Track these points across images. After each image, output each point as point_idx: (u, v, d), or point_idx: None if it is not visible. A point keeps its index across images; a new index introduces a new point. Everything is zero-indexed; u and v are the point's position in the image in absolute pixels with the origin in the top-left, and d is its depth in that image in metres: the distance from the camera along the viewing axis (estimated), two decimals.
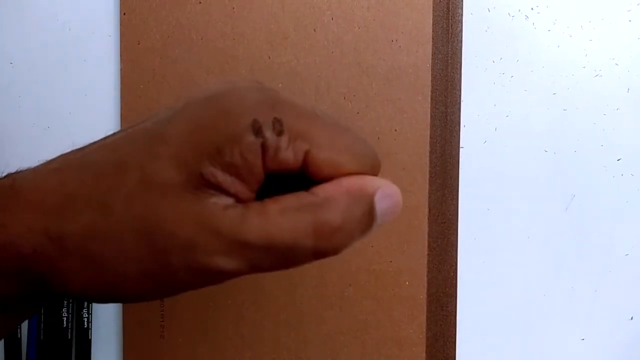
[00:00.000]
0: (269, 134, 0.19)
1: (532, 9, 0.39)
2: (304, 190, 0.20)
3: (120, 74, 0.40)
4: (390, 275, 0.39)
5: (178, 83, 0.39)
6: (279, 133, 0.19)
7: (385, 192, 0.20)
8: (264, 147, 0.19)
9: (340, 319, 0.39)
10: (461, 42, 0.39)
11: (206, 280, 0.20)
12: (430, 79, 0.38)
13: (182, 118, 0.20)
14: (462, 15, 0.39)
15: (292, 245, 0.19)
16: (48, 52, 0.41)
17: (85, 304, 0.41)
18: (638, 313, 0.40)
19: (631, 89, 0.39)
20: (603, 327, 0.40)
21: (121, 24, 0.40)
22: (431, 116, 0.38)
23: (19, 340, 0.41)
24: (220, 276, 0.20)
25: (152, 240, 0.19)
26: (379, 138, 0.38)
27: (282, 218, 0.19)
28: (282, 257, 0.19)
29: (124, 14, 0.40)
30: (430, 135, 0.38)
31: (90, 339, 0.41)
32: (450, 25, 0.39)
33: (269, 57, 0.39)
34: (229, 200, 0.19)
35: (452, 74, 0.39)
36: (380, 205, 0.20)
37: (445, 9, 0.38)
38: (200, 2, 0.39)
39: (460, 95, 0.39)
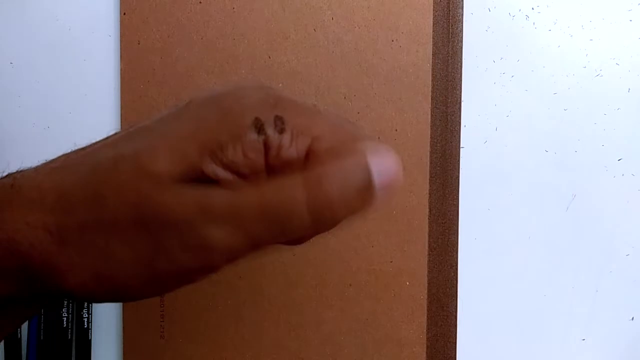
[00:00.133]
0: (271, 132, 0.19)
1: (532, 8, 0.39)
2: None
3: (120, 74, 0.40)
4: (390, 275, 0.39)
5: (178, 83, 0.39)
6: (281, 130, 0.19)
7: (380, 159, 0.19)
8: (266, 145, 0.19)
9: (340, 319, 0.39)
10: (461, 42, 0.39)
11: (204, 260, 0.19)
12: (430, 79, 0.38)
13: (184, 116, 0.20)
14: (462, 15, 0.39)
15: (286, 203, 0.19)
16: (48, 52, 0.41)
17: (85, 304, 0.41)
18: (639, 313, 0.40)
19: (632, 89, 0.39)
20: (604, 327, 0.40)
21: (121, 24, 0.40)
22: (431, 116, 0.38)
23: (19, 340, 0.41)
24: (218, 254, 0.19)
25: (146, 227, 0.19)
26: (379, 138, 0.38)
27: (277, 188, 0.19)
28: (279, 223, 0.19)
29: (124, 14, 0.40)
30: (430, 135, 0.38)
31: (90, 339, 0.41)
32: (450, 25, 0.39)
33: (269, 57, 0.39)
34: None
35: (452, 74, 0.39)
36: (377, 172, 0.19)
37: (445, 9, 0.38)
38: (200, 2, 0.39)
39: (460, 95, 0.39)
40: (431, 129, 0.38)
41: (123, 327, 0.41)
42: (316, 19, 0.38)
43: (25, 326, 0.41)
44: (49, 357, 0.40)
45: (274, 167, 0.19)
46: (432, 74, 0.38)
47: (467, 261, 0.40)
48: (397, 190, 0.19)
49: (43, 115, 0.42)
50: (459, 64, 0.39)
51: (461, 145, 0.40)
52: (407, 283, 0.39)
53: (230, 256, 0.20)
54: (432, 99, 0.38)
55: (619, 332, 0.40)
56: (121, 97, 0.40)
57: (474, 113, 0.40)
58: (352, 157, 0.19)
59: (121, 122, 0.41)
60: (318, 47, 0.38)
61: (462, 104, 0.39)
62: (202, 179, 0.19)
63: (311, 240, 0.22)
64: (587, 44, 0.39)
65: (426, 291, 0.39)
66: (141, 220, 0.19)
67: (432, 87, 0.38)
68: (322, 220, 0.19)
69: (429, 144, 0.38)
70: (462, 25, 0.39)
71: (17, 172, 0.22)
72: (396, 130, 0.38)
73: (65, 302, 0.41)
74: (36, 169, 0.21)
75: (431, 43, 0.38)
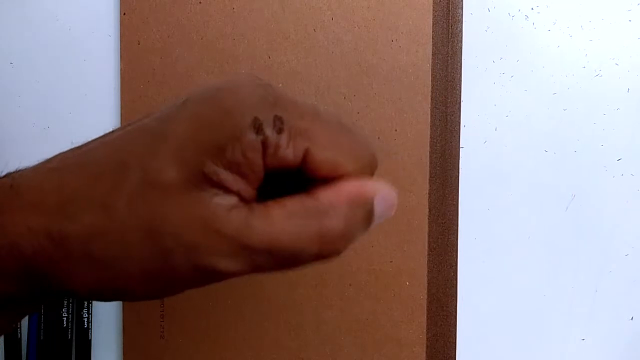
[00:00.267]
0: (269, 132, 0.19)
1: (532, 9, 0.39)
2: (305, 191, 0.20)
3: (120, 73, 0.40)
4: (390, 275, 0.39)
5: (178, 83, 0.39)
6: (279, 131, 0.19)
7: (383, 195, 0.21)
8: (264, 144, 0.19)
9: (340, 319, 0.39)
10: (461, 42, 0.39)
11: (208, 279, 0.20)
12: (430, 79, 0.38)
13: (182, 116, 0.20)
14: (462, 15, 0.39)
15: (296, 250, 0.19)
16: (48, 52, 0.41)
17: (85, 303, 0.41)
18: (638, 313, 0.40)
19: (631, 89, 0.39)
20: (603, 327, 0.40)
21: (121, 24, 0.40)
22: (431, 116, 0.38)
23: (19, 340, 0.41)
24: (223, 276, 0.20)
25: (155, 241, 0.19)
26: (379, 138, 0.38)
27: (287, 224, 0.19)
28: (285, 260, 0.20)
29: (124, 14, 0.40)
30: (430, 135, 0.38)
31: (90, 339, 0.41)
32: (450, 25, 0.39)
33: (269, 57, 0.39)
34: (232, 199, 0.19)
35: (452, 74, 0.39)
36: (379, 207, 0.21)
37: (445, 9, 0.38)
38: (200, 2, 0.39)
39: (460, 95, 0.39)
40: (431, 129, 0.38)
41: (123, 327, 0.41)
42: (316, 19, 0.38)
43: (25, 326, 0.41)
44: (49, 357, 0.40)
45: (272, 166, 0.19)
46: (432, 74, 0.38)
47: (466, 261, 0.40)
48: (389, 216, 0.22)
49: (43, 115, 0.42)
50: (459, 64, 0.39)
51: (461, 145, 0.40)
52: (407, 283, 0.39)
53: (233, 277, 0.20)
54: (431, 99, 0.38)
55: (618, 332, 0.40)
56: (121, 97, 0.40)
57: (474, 113, 0.40)
58: (361, 198, 0.20)
59: (121, 122, 0.41)
60: (318, 47, 0.38)
61: (462, 104, 0.39)
62: (207, 182, 0.19)
63: None
64: (587, 44, 0.39)
65: (426, 291, 0.39)
66: (149, 232, 0.19)
67: (432, 87, 0.38)
68: (324, 254, 0.20)
69: (428, 144, 0.38)
70: (462, 26, 0.39)
71: (16, 171, 0.21)
72: (396, 130, 0.38)
73: (65, 302, 0.40)
74: (34, 169, 0.21)
75: (431, 43, 0.38)
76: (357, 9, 0.38)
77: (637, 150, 0.39)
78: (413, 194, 0.38)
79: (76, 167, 0.20)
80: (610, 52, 0.39)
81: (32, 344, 0.40)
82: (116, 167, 0.20)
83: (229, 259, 0.19)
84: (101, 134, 0.22)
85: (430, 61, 0.38)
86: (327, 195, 0.20)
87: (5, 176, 0.21)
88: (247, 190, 0.19)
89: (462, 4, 0.39)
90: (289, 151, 0.19)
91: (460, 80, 0.39)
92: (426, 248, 0.38)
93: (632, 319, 0.40)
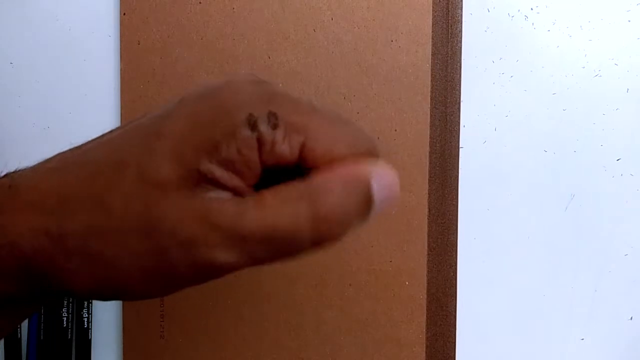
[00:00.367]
0: (264, 128, 0.19)
1: (531, 9, 0.39)
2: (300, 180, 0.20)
3: (120, 74, 0.40)
4: (390, 275, 0.39)
5: (178, 83, 0.39)
6: (274, 127, 0.19)
7: (381, 177, 0.20)
8: (259, 141, 0.19)
9: (340, 319, 0.39)
10: (461, 42, 0.39)
11: (207, 274, 0.20)
12: (430, 79, 0.38)
13: (178, 114, 0.20)
14: (461, 15, 0.39)
15: (291, 235, 0.19)
16: (48, 52, 0.41)
17: (85, 303, 0.41)
18: (638, 313, 0.40)
19: (631, 89, 0.39)
20: (603, 327, 0.40)
21: (121, 24, 0.40)
22: (431, 116, 0.38)
23: (19, 340, 0.41)
24: (221, 270, 0.20)
25: (152, 237, 0.19)
26: (378, 138, 0.38)
27: (280, 209, 0.19)
28: (281, 247, 0.19)
29: (124, 14, 0.40)
30: (430, 135, 0.38)
31: (90, 339, 0.41)
32: (449, 26, 0.39)
33: (269, 57, 0.39)
34: (227, 195, 0.19)
35: (452, 74, 0.39)
36: (377, 187, 0.19)
37: (444, 9, 0.38)
38: (200, 2, 0.39)
39: (460, 95, 0.39)
40: (430, 129, 0.38)
41: (123, 327, 0.41)
42: (316, 19, 0.38)
43: (25, 326, 0.41)
44: (49, 357, 0.40)
45: (269, 163, 0.19)
46: (432, 74, 0.38)
47: (466, 261, 0.40)
48: (394, 204, 0.20)
49: (43, 115, 0.42)
50: (458, 64, 0.39)
51: (460, 146, 0.40)
52: (407, 283, 0.39)
53: (231, 271, 0.20)
54: (431, 99, 0.38)
55: (618, 332, 0.40)
56: (121, 97, 0.40)
57: (473, 113, 0.40)
58: (359, 187, 0.19)
59: (121, 122, 0.41)
60: (318, 47, 0.38)
61: (462, 104, 0.39)
62: (203, 180, 0.19)
63: None
64: (586, 45, 0.39)
65: (425, 291, 0.39)
66: (146, 229, 0.19)
67: (432, 88, 0.38)
68: (321, 240, 0.19)
69: (428, 144, 0.38)
70: (462, 26, 0.39)
71: (15, 172, 0.21)
72: (395, 130, 0.38)
73: (65, 302, 0.40)
74: (33, 169, 0.21)
75: (430, 43, 0.38)
76: (357, 9, 0.38)
77: (636, 150, 0.39)
78: (413, 194, 0.38)
79: (75, 167, 0.20)
80: (609, 52, 0.39)
81: (32, 344, 0.40)
82: (113, 166, 0.20)
83: (225, 251, 0.19)
84: (101, 134, 0.22)
85: (430, 61, 0.38)
86: (320, 177, 0.19)
87: (4, 176, 0.21)
88: (243, 187, 0.19)
89: (462, 4, 0.39)
90: (284, 147, 0.19)
91: (460, 81, 0.39)
92: (426, 248, 0.38)
93: (631, 319, 0.40)
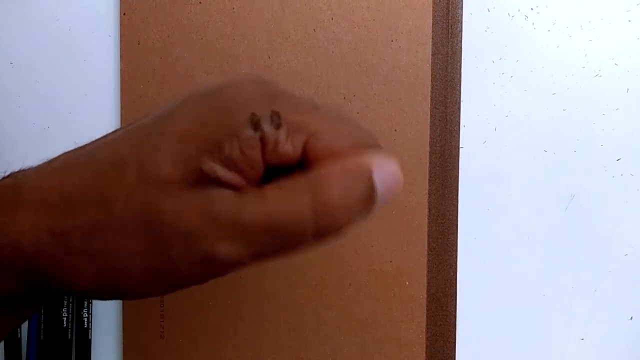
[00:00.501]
0: (267, 127, 0.19)
1: (531, 9, 0.39)
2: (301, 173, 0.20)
3: (120, 74, 0.40)
4: (390, 275, 0.39)
5: (178, 83, 0.39)
6: (277, 126, 0.19)
7: (383, 166, 0.19)
8: (262, 140, 0.19)
9: (340, 319, 0.39)
10: (461, 42, 0.39)
11: (209, 270, 0.20)
12: (430, 79, 0.38)
13: (180, 114, 0.20)
14: (461, 15, 0.39)
15: (292, 224, 0.19)
16: (48, 52, 0.41)
17: (85, 303, 0.41)
18: (638, 313, 0.40)
19: (631, 89, 0.39)
20: (603, 327, 0.40)
21: (121, 24, 0.40)
22: (431, 116, 0.38)
23: (19, 340, 0.41)
24: (223, 265, 0.19)
25: (152, 233, 0.19)
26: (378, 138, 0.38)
27: (281, 199, 0.19)
28: (283, 239, 0.19)
29: (124, 14, 0.40)
30: (430, 135, 0.38)
31: (90, 339, 0.41)
32: (450, 25, 0.39)
33: (269, 57, 0.39)
34: (228, 192, 0.19)
35: (452, 74, 0.39)
36: (380, 179, 0.19)
37: (445, 9, 0.38)
38: (200, 2, 0.39)
39: (460, 95, 0.39)
40: (430, 129, 0.38)
41: (123, 327, 0.41)
42: (316, 19, 0.38)
43: (25, 326, 0.41)
44: (49, 357, 0.40)
45: (272, 162, 0.19)
46: (432, 74, 0.38)
47: (466, 261, 0.40)
48: (397, 194, 0.20)
49: (43, 115, 0.42)
50: (459, 64, 0.39)
51: (460, 146, 0.40)
52: (407, 283, 0.39)
53: (234, 267, 0.20)
54: (431, 99, 0.38)
55: (618, 332, 0.40)
56: (121, 97, 0.40)
57: (473, 113, 0.40)
58: (359, 175, 0.19)
59: (121, 122, 0.41)
60: (318, 47, 0.38)
61: (462, 104, 0.39)
62: (205, 179, 0.19)
63: None
64: (586, 44, 0.39)
65: (426, 291, 0.39)
66: (147, 226, 0.19)
67: (432, 88, 0.38)
68: (324, 232, 0.19)
69: (428, 144, 0.38)
70: (462, 26, 0.39)
71: (19, 171, 0.22)
72: (395, 130, 0.38)
73: (65, 302, 0.40)
74: (37, 169, 0.21)
75: (430, 43, 0.38)
76: (357, 9, 0.38)
77: (636, 150, 0.39)
78: (413, 194, 0.38)
79: (78, 167, 0.21)
80: (609, 52, 0.39)
81: (32, 344, 0.40)
82: (115, 164, 0.20)
83: (226, 244, 0.19)
84: (101, 134, 0.22)
85: (430, 61, 0.38)
86: (321, 169, 0.19)
87: (8, 176, 0.22)
88: (246, 185, 0.19)
89: (462, 4, 0.39)
90: (288, 146, 0.19)
91: (460, 81, 0.39)
92: (426, 248, 0.38)
93: (631, 319, 0.40)
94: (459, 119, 0.39)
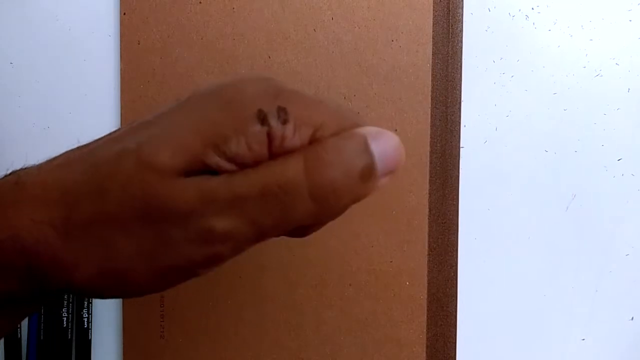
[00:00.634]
0: (274, 123, 0.19)
1: (532, 8, 0.39)
2: None
3: (120, 74, 0.40)
4: (390, 275, 0.39)
5: (178, 83, 0.39)
6: (284, 121, 0.19)
7: (379, 135, 0.19)
8: (270, 136, 0.19)
9: (340, 319, 0.39)
10: (461, 42, 0.39)
11: (209, 251, 0.20)
12: (430, 79, 0.38)
13: (185, 109, 0.20)
14: (462, 15, 0.39)
15: (286, 185, 0.19)
16: (48, 52, 0.41)
17: (85, 303, 0.41)
18: (638, 313, 0.40)
19: (631, 89, 0.39)
20: (603, 327, 0.40)
21: (121, 24, 0.40)
22: (431, 116, 0.38)
23: (19, 340, 0.41)
24: (223, 242, 0.19)
25: (151, 217, 0.19)
26: None
27: (273, 163, 0.19)
28: (280, 205, 0.19)
29: (124, 14, 0.40)
30: (430, 135, 0.38)
31: (90, 339, 0.41)
32: (450, 25, 0.39)
33: (269, 57, 0.39)
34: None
35: (452, 74, 0.39)
36: (377, 146, 0.19)
37: (445, 9, 0.38)
38: (200, 2, 0.39)
39: (460, 95, 0.39)
40: (431, 129, 0.38)
41: (123, 327, 0.41)
42: (316, 19, 0.38)
43: (25, 326, 0.41)
44: (49, 357, 0.40)
45: (277, 157, 0.19)
46: (432, 74, 0.38)
47: (466, 261, 0.40)
48: (398, 171, 0.20)
49: (43, 115, 0.42)
50: (459, 64, 0.39)
51: (461, 145, 0.40)
52: (407, 283, 0.39)
53: (234, 246, 0.20)
54: (432, 99, 0.38)
55: (618, 332, 0.40)
56: (121, 97, 0.40)
57: (474, 113, 0.40)
58: (353, 138, 0.19)
59: (121, 122, 0.41)
60: (318, 47, 0.38)
61: (462, 104, 0.39)
62: (205, 171, 0.19)
63: (311, 240, 0.22)
64: (587, 44, 0.39)
65: (426, 291, 0.39)
66: (145, 213, 0.19)
67: (432, 87, 0.38)
68: (325, 205, 0.19)
69: (428, 144, 0.38)
70: (462, 25, 0.39)
71: (21, 169, 0.22)
72: (396, 130, 0.38)
73: (65, 302, 0.41)
74: (39, 167, 0.21)
75: (431, 43, 0.38)
76: (357, 9, 0.38)
77: (637, 150, 0.39)
78: (413, 194, 0.38)
79: (79, 163, 0.21)
80: (610, 52, 0.39)
81: (32, 344, 0.40)
82: (114, 156, 0.20)
83: (223, 217, 0.19)
84: (101, 134, 0.22)
85: (431, 61, 0.38)
86: (318, 140, 0.19)
87: (11, 174, 0.22)
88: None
89: (463, 4, 0.39)
90: (295, 141, 0.19)
91: (461, 80, 0.39)
92: (426, 248, 0.38)
93: (632, 319, 0.40)
94: (460, 118, 0.39)
